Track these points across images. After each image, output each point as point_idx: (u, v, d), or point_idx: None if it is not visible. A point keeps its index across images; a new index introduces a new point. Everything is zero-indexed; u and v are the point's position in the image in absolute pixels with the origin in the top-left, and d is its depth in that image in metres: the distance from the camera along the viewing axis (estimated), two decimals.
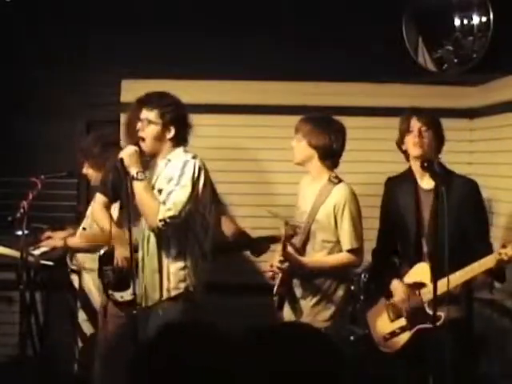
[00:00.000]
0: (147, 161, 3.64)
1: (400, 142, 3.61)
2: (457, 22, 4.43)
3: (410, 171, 3.64)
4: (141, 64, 4.78)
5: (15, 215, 3.96)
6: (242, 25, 4.82)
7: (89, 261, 4.20)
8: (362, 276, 4.29)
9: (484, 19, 4.25)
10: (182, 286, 3.53)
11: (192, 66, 4.77)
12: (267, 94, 4.91)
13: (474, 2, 4.33)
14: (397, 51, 4.61)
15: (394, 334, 3.61)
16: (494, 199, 4.39)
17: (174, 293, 3.52)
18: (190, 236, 3.55)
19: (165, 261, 3.54)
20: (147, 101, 3.61)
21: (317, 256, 3.63)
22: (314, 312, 3.62)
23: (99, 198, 3.98)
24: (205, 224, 3.62)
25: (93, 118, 4.95)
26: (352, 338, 4.20)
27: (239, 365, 1.58)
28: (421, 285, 3.50)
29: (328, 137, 3.60)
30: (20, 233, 3.91)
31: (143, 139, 3.56)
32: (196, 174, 3.49)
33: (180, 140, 3.60)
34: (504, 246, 3.22)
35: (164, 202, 3.43)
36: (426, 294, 3.44)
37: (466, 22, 4.39)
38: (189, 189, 3.46)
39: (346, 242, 3.58)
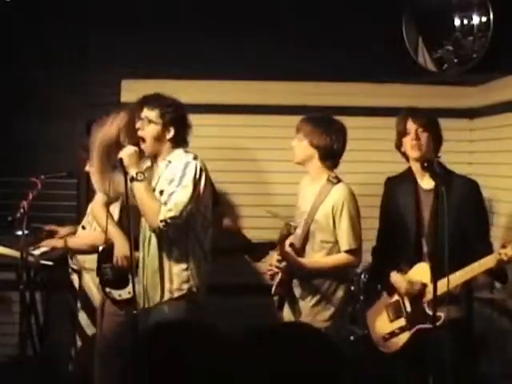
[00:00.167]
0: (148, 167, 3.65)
1: (398, 144, 3.61)
2: (457, 22, 4.43)
3: (409, 171, 3.64)
4: (141, 64, 4.77)
5: (15, 215, 3.97)
6: (242, 25, 4.82)
7: (89, 260, 4.20)
8: (362, 276, 4.29)
9: (484, 19, 4.25)
10: (186, 287, 3.52)
11: (192, 66, 4.77)
12: (267, 94, 4.91)
13: (474, 1, 4.33)
14: (397, 51, 4.61)
15: (393, 334, 3.61)
16: (494, 199, 4.39)
17: (176, 294, 3.52)
18: (191, 236, 3.55)
19: (166, 262, 3.54)
20: (148, 100, 3.63)
21: (315, 256, 3.63)
22: (313, 312, 3.62)
23: (100, 196, 4.00)
24: (206, 224, 3.62)
25: (93, 118, 4.95)
26: (352, 338, 4.20)
27: (239, 365, 1.58)
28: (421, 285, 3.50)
29: (329, 137, 3.60)
30: (20, 233, 3.91)
31: (143, 139, 3.57)
32: (197, 175, 3.50)
33: (179, 141, 3.61)
34: (504, 246, 3.22)
35: (165, 203, 3.43)
36: (426, 294, 3.44)
37: (466, 22, 4.39)
38: (190, 190, 3.46)
39: (344, 242, 3.58)
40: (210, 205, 3.66)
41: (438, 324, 3.23)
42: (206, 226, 3.62)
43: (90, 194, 4.56)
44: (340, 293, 3.63)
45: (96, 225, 4.14)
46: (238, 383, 1.58)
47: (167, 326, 1.71)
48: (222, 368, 1.59)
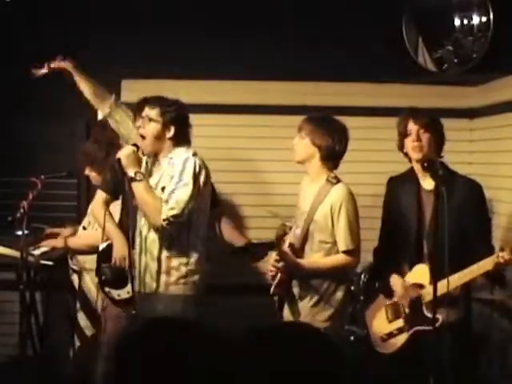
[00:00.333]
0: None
1: (400, 145, 3.60)
2: (457, 22, 4.43)
3: (412, 171, 3.62)
4: (141, 64, 4.77)
5: (15, 215, 3.96)
6: (242, 25, 4.82)
7: (89, 261, 4.20)
8: (362, 276, 4.29)
9: (484, 19, 4.25)
10: (182, 282, 3.53)
11: (192, 66, 4.77)
12: (267, 94, 4.91)
13: (474, 1, 4.34)
14: (397, 51, 4.61)
15: (391, 334, 3.60)
16: (494, 199, 4.39)
17: (173, 288, 3.53)
18: (191, 233, 3.56)
19: (165, 256, 3.55)
20: (149, 100, 3.66)
21: (314, 257, 3.63)
22: (312, 312, 3.61)
23: (100, 195, 4.01)
24: (206, 220, 3.64)
25: (93, 118, 4.95)
26: (352, 338, 4.20)
27: (239, 365, 1.58)
28: (420, 286, 3.49)
29: (331, 138, 3.59)
30: (20, 233, 3.91)
31: (143, 138, 3.58)
32: (197, 171, 3.51)
33: (180, 140, 3.63)
34: (502, 250, 3.20)
35: (167, 201, 3.44)
36: (425, 295, 3.43)
37: (466, 22, 4.39)
38: (190, 186, 3.47)
39: (342, 243, 3.57)
40: (209, 202, 3.68)
41: (436, 326, 3.21)
42: (206, 222, 3.64)
43: (90, 194, 4.56)
44: (339, 293, 3.62)
45: (97, 225, 4.14)
46: (238, 383, 1.58)
47: (166, 324, 1.71)
48: (222, 368, 1.59)
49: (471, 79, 4.76)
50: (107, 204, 3.98)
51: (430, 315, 3.28)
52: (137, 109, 3.69)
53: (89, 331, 4.30)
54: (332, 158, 3.64)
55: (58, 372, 4.47)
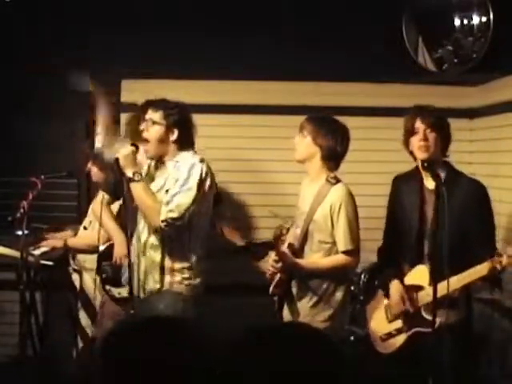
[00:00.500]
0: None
1: (406, 143, 3.57)
2: (457, 22, 4.43)
3: (416, 170, 3.59)
4: (141, 64, 4.78)
5: (15, 215, 3.97)
6: (242, 25, 4.82)
7: (89, 260, 4.21)
8: (362, 276, 4.29)
9: (484, 19, 4.25)
10: (185, 283, 3.54)
11: (192, 66, 4.77)
12: (267, 94, 4.91)
13: (474, 2, 4.34)
14: (397, 51, 4.61)
15: (390, 335, 3.60)
16: (494, 199, 4.37)
17: (176, 289, 3.53)
18: (192, 235, 3.56)
19: (167, 258, 3.55)
20: (153, 103, 3.66)
21: (314, 257, 3.63)
22: (312, 313, 3.61)
23: (101, 196, 4.01)
24: (207, 224, 3.63)
25: (93, 118, 4.96)
26: (352, 338, 4.20)
27: (239, 365, 1.58)
28: (419, 288, 3.49)
29: (333, 138, 3.59)
30: (20, 233, 3.91)
31: (147, 141, 3.58)
32: (203, 178, 3.51)
33: (184, 143, 3.62)
34: (499, 255, 3.16)
35: (167, 203, 3.43)
36: (424, 297, 3.42)
37: (466, 22, 4.39)
38: (194, 192, 3.47)
39: (341, 243, 3.56)
40: (211, 205, 3.68)
41: (434, 327, 3.20)
42: (208, 226, 3.64)
43: (90, 194, 4.57)
44: (339, 293, 3.61)
45: (97, 225, 4.14)
46: (238, 383, 1.58)
47: (167, 324, 1.71)
48: (222, 368, 1.59)
49: (471, 79, 4.76)
50: (109, 204, 3.98)
51: (428, 317, 3.28)
52: (140, 112, 3.70)
53: (90, 330, 4.31)
54: (333, 158, 3.63)
55: (58, 372, 4.47)
